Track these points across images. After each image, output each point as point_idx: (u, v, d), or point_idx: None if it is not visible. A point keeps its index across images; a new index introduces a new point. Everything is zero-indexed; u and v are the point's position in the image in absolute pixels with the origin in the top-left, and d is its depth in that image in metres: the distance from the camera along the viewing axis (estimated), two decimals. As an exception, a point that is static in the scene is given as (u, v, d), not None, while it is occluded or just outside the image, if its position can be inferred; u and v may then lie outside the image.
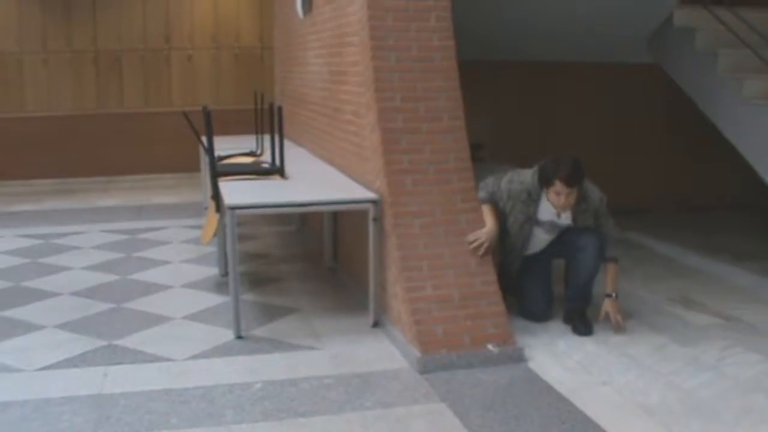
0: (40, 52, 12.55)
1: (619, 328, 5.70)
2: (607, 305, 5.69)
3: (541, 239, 5.95)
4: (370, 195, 5.75)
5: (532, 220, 5.82)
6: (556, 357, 5.27)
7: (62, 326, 5.93)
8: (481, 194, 5.82)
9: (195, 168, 10.78)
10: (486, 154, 7.45)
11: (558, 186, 5.54)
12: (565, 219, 5.81)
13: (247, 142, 8.26)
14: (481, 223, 5.61)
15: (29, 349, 5.47)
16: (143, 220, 9.87)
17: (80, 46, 12.68)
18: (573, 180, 5.54)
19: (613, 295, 5.71)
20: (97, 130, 12.75)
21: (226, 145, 7.76)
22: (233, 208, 5.53)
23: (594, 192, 5.81)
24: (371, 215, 5.65)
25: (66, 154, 12.65)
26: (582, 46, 8.21)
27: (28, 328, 5.90)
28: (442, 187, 5.62)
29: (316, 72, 7.95)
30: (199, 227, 8.81)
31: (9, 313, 6.24)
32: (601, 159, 9.46)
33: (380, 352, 5.37)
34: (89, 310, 6.28)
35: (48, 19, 12.51)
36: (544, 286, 6.05)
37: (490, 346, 5.17)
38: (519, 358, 5.19)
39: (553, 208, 5.74)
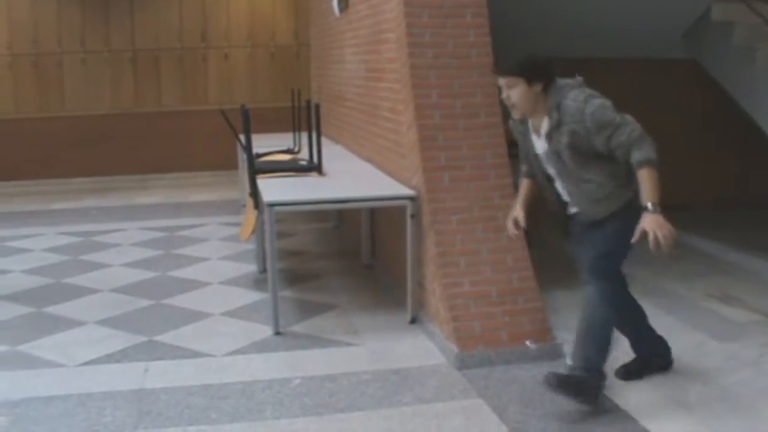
0: (79, 52, 12.68)
1: (659, 248, 4.18)
2: (644, 222, 4.19)
3: (559, 183, 4.66)
4: (408, 191, 5.77)
5: (534, 154, 4.65)
6: (594, 353, 5.25)
7: (103, 322, 6.00)
8: (522, 167, 4.88)
9: (232, 166, 10.84)
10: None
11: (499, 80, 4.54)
12: (547, 140, 4.50)
13: (285, 140, 8.30)
14: None
15: (71, 345, 5.54)
16: (181, 217, 9.95)
17: (118, 46, 12.79)
18: (500, 67, 4.55)
19: (649, 206, 4.25)
20: (135, 129, 12.86)
21: (263, 143, 7.79)
22: (272, 204, 5.56)
23: (576, 100, 4.39)
24: (409, 212, 5.66)
25: (105, 152, 12.77)
26: (618, 41, 8.16)
27: (70, 324, 5.98)
28: (479, 184, 5.63)
29: (352, 69, 7.98)
30: (237, 224, 8.86)
31: (51, 309, 6.32)
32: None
33: (418, 349, 5.38)
34: (129, 307, 6.34)
35: (87, 20, 12.63)
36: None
37: (528, 343, 5.17)
38: (557, 354, 5.18)
39: (536, 131, 4.57)
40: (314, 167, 6.66)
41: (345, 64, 8.43)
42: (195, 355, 5.34)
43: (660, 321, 5.81)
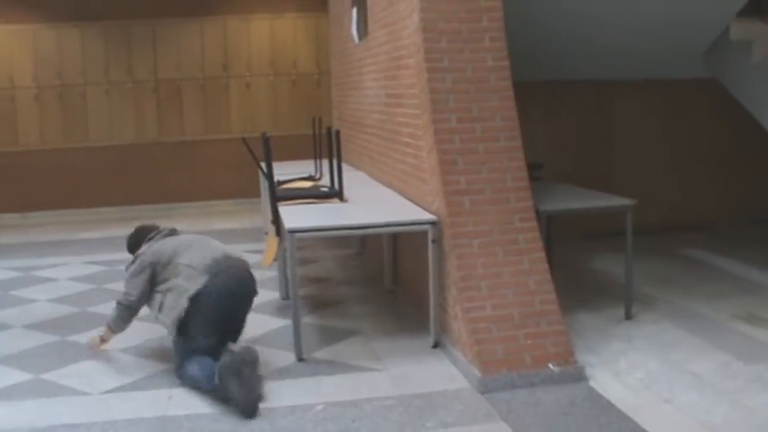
0: (103, 83, 12.79)
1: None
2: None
3: None
4: (429, 216, 5.77)
5: None
6: (618, 375, 5.23)
7: (126, 350, 6.03)
8: None
9: (255, 194, 10.89)
10: (544, 173, 7.43)
11: None
12: None
13: (306, 167, 8.34)
14: (538, 243, 5.61)
15: (95, 373, 5.58)
16: (205, 245, 9.96)
17: (141, 77, 12.90)
18: None
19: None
20: (158, 158, 12.94)
21: (285, 170, 7.83)
22: (293, 231, 5.59)
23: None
24: (430, 236, 5.67)
25: (129, 182, 12.85)
26: (638, 62, 8.17)
27: (94, 352, 6.01)
28: (500, 207, 5.63)
29: (372, 95, 8.01)
30: (259, 252, 8.87)
31: (75, 337, 6.36)
32: (660, 175, 9.43)
33: (441, 373, 5.37)
34: (153, 334, 6.35)
35: (110, 52, 12.75)
36: None
37: (550, 365, 5.16)
38: (580, 376, 5.16)
39: None
40: (335, 193, 6.68)
41: (365, 90, 8.47)
42: (218, 382, 5.34)
43: (685, 342, 5.82)
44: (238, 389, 4.82)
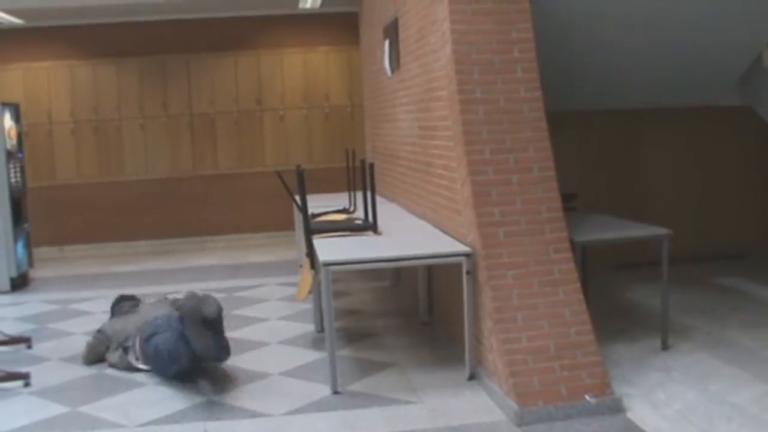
0: (138, 118, 12.91)
1: None
2: None
3: None
4: (463, 248, 5.77)
5: None
6: (655, 406, 5.18)
7: (162, 383, 6.04)
8: None
9: (289, 226, 10.93)
10: (579, 204, 7.41)
11: None
12: None
13: (340, 200, 8.36)
14: (573, 274, 5.59)
15: (131, 406, 5.59)
16: (240, 278, 10.03)
17: (176, 111, 13.00)
18: None
19: None
20: (193, 192, 13.02)
21: (319, 203, 7.85)
22: (328, 264, 5.60)
23: None
24: (465, 268, 5.66)
25: (163, 215, 12.93)
26: (670, 90, 8.14)
27: (130, 385, 6.04)
28: (535, 238, 5.62)
29: (405, 128, 8.04)
30: (294, 284, 8.91)
31: (111, 371, 6.39)
32: (694, 203, 9.37)
33: (477, 405, 5.34)
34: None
35: (145, 86, 12.88)
36: None
37: (587, 397, 5.12)
38: (617, 408, 5.12)
39: None
40: (370, 226, 6.69)
41: (398, 122, 8.50)
42: (253, 415, 5.35)
43: (723, 372, 5.76)
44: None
